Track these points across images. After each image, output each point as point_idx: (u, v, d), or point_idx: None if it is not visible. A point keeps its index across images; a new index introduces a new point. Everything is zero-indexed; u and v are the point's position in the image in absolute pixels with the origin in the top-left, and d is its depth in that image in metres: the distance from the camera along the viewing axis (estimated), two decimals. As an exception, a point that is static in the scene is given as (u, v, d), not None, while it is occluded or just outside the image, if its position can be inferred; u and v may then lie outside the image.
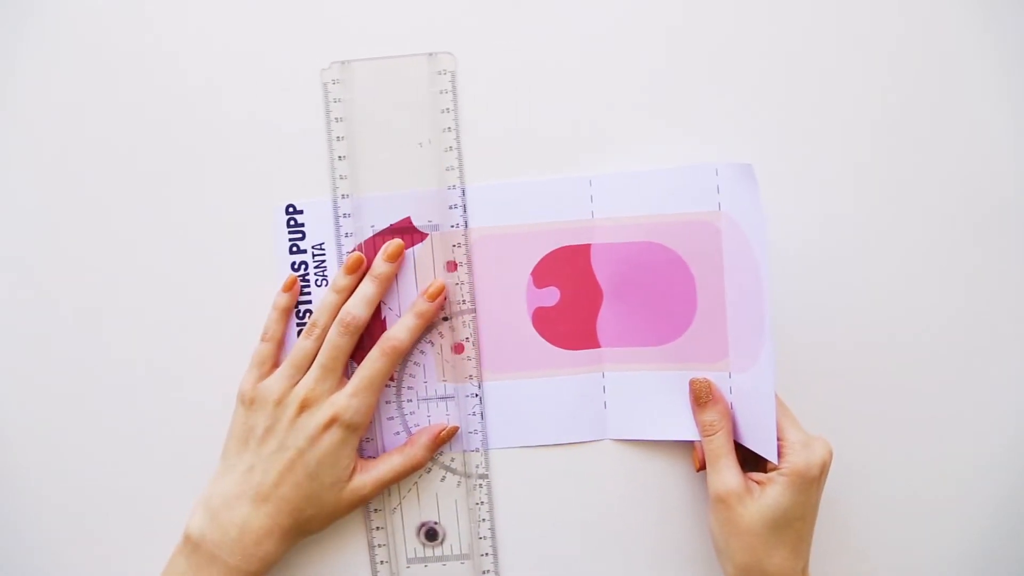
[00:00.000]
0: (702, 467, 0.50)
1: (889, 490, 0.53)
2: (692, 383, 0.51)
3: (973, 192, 0.52)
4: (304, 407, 0.49)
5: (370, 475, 0.51)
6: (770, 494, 0.46)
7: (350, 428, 0.49)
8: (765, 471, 0.48)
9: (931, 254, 0.52)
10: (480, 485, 0.53)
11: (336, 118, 0.52)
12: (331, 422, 0.49)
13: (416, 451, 0.52)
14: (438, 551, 0.53)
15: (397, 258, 0.52)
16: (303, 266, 0.52)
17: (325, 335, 0.50)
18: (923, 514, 0.53)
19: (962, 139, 0.52)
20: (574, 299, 0.53)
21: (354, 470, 0.50)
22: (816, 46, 0.52)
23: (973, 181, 0.52)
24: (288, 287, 0.52)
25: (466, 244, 0.52)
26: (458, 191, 0.52)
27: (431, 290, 0.51)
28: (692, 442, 0.52)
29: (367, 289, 0.51)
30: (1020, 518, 0.53)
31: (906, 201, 0.52)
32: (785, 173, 0.52)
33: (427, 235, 0.52)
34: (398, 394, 0.53)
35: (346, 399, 0.49)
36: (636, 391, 0.52)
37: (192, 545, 0.48)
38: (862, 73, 0.52)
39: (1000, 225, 0.52)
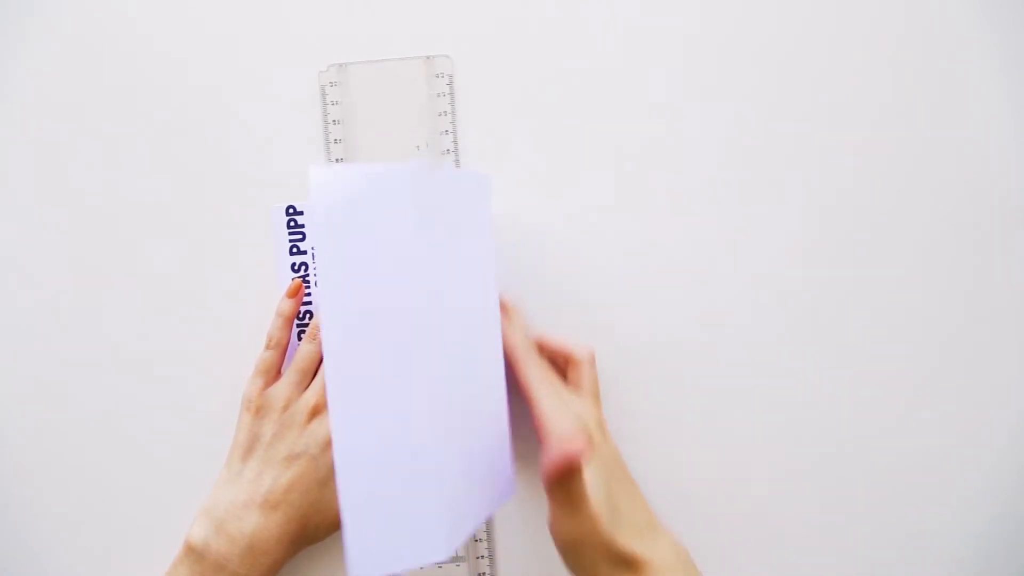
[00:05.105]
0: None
1: (886, 492, 0.53)
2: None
3: (973, 192, 0.52)
4: (315, 414, 0.49)
5: None
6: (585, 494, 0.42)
7: None
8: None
9: (931, 254, 0.52)
10: (476, 488, 0.53)
11: (333, 120, 0.52)
12: None
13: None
14: (434, 553, 0.53)
15: None
16: (303, 267, 0.52)
17: None
18: (921, 515, 0.52)
19: (962, 139, 0.52)
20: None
21: None
22: (815, 46, 0.52)
23: (973, 182, 0.52)
24: (293, 293, 0.51)
25: (464, 246, 0.52)
26: (455, 194, 0.52)
27: None
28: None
29: None
30: (1017, 522, 0.53)
31: (906, 201, 0.52)
32: (784, 173, 0.52)
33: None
34: (395, 396, 0.53)
35: None
36: None
37: (196, 555, 0.47)
38: (862, 73, 0.52)
39: (1000, 225, 0.52)
